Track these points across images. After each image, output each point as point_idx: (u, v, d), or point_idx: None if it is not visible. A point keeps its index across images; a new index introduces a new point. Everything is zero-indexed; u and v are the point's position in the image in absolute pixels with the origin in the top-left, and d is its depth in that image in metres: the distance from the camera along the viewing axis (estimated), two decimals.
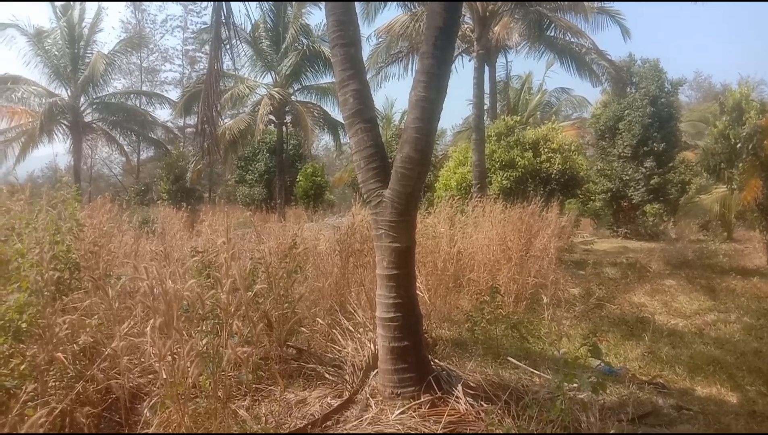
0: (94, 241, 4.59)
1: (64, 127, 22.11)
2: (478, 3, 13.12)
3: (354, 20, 4.36)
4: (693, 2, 10.56)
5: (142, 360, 3.89)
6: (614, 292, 8.77)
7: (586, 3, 14.50)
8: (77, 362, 3.48)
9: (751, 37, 66.38)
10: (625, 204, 19.90)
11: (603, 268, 11.39)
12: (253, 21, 21.30)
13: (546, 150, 14.92)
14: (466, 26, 15.09)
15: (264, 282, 4.55)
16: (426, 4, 12.32)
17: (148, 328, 2.95)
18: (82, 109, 22.53)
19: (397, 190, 3.98)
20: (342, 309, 5.45)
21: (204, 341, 3.28)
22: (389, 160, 4.27)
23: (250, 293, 3.85)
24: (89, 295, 3.85)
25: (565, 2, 13.89)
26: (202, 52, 32.54)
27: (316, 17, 21.73)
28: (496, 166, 14.68)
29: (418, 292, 4.70)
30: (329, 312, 5.51)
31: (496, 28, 17.12)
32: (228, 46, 6.94)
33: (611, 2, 13.82)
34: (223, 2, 6.43)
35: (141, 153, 33.19)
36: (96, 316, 3.80)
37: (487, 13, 13.39)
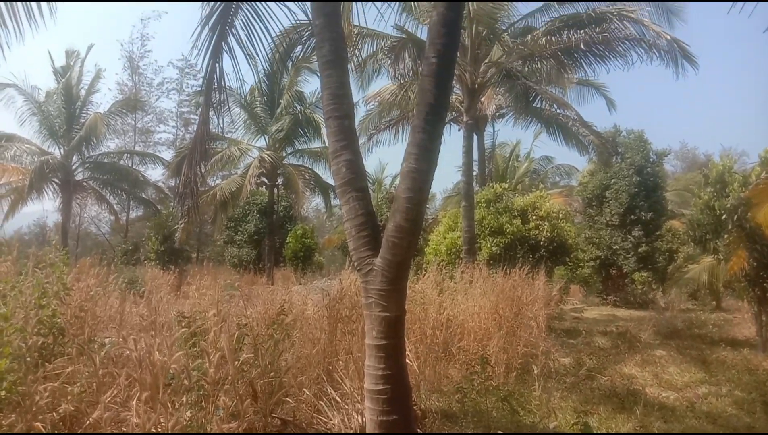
0: (80, 306, 4.54)
1: (55, 185, 22.16)
2: (467, 76, 13.57)
3: (348, 94, 4.51)
4: (676, 77, 10.94)
5: (125, 429, 3.77)
6: (605, 363, 8.68)
7: (566, 77, 15.01)
8: (56, 432, 3.37)
9: (733, 107, 68.86)
10: (614, 272, 20.00)
11: (593, 337, 11.32)
12: (246, 87, 21.83)
13: (534, 217, 15.09)
14: (455, 97, 15.53)
15: (250, 350, 4.48)
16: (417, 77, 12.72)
17: (134, 401, 2.87)
18: (73, 167, 22.67)
19: (388, 259, 4.01)
20: (329, 378, 5.35)
21: (188, 414, 3.19)
22: (380, 229, 4.32)
23: (236, 362, 3.78)
24: (72, 362, 3.77)
25: (549, 77, 14.35)
26: (196, 114, 33.10)
27: (311, 85, 22.38)
28: (486, 232, 14.79)
29: (407, 360, 4.64)
30: (316, 381, 5.39)
31: (484, 99, 17.65)
32: (219, 110, 7.13)
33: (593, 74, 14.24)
34: (216, 66, 6.65)
35: (130, 212, 33.16)
36: (78, 384, 3.70)
37: (476, 86, 13.83)
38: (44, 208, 35.79)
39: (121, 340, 4.31)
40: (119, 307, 5.85)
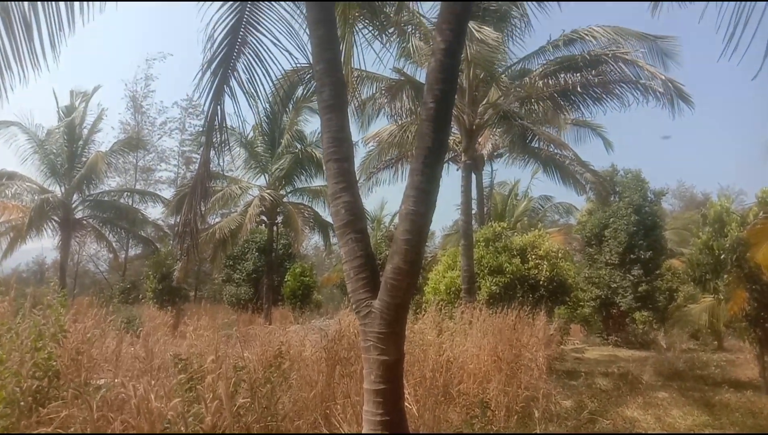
0: (77, 348, 4.50)
1: (54, 223, 22.19)
2: (465, 117, 13.76)
3: (348, 137, 4.58)
4: (672, 116, 11.12)
5: None
6: (606, 405, 8.55)
7: (563, 118, 15.24)
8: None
9: (730, 146, 69.54)
10: (614, 311, 19.87)
11: (594, 378, 11.18)
12: (247, 126, 22.06)
13: (534, 256, 15.08)
14: (453, 137, 15.71)
15: (247, 394, 4.42)
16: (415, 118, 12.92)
17: None
18: (74, 205, 22.74)
19: (386, 301, 4.00)
20: (327, 422, 5.27)
21: None
22: (379, 270, 4.33)
23: (233, 407, 3.73)
24: (67, 406, 3.72)
25: (545, 118, 14.56)
26: (198, 153, 33.37)
27: (312, 124, 22.66)
28: (485, 271, 14.75)
29: (406, 404, 4.58)
30: (313, 426, 5.31)
31: (481, 139, 17.87)
32: (220, 151, 7.21)
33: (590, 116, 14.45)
34: (218, 108, 6.75)
35: (129, 250, 33.10)
36: (73, 429, 3.64)
37: (474, 126, 14.03)
38: (43, 245, 35.79)
39: (117, 381, 4.27)
40: (116, 349, 5.79)
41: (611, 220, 19.73)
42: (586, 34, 12.09)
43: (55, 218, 22.13)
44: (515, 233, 17.55)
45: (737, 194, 40.37)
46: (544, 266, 14.79)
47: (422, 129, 4.14)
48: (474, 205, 19.08)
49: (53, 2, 5.73)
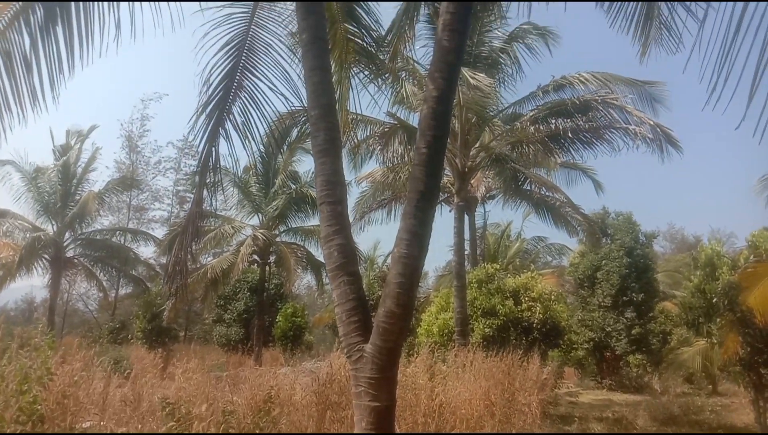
0: (63, 391, 4.42)
1: (45, 261, 22.03)
2: (457, 160, 13.94)
3: (342, 181, 4.63)
4: (661, 161, 11.31)
5: None
6: None
7: (553, 161, 15.47)
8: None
9: (720, 188, 70.50)
10: (608, 354, 19.72)
11: (589, 423, 11.02)
12: (240, 166, 22.19)
13: (527, 299, 15.05)
14: (446, 179, 15.87)
15: None
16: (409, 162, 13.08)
17: None
18: (65, 244, 22.63)
19: (378, 346, 3.98)
20: None
21: None
22: (371, 313, 4.32)
23: None
24: None
25: (536, 160, 14.78)
26: (192, 193, 33.40)
27: (306, 164, 22.86)
28: (478, 313, 14.68)
29: None
30: None
31: (474, 181, 18.05)
32: (214, 191, 7.25)
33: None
34: (213, 150, 6.82)
35: (119, 289, 32.74)
36: None
37: (466, 169, 14.20)
38: (33, 284, 35.38)
39: (103, 424, 4.18)
40: (103, 391, 5.69)
41: (603, 262, 19.77)
42: (576, 80, 12.37)
43: (46, 256, 21.99)
44: (508, 274, 17.54)
45: (728, 237, 40.73)
46: (538, 309, 14.75)
47: (415, 173, 4.20)
48: (467, 246, 19.15)
49: (54, 44, 5.90)
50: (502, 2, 6.95)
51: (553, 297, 15.52)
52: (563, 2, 6.03)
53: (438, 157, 4.27)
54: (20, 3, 5.66)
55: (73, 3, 5.76)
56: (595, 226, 18.13)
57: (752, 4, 2.71)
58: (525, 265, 26.10)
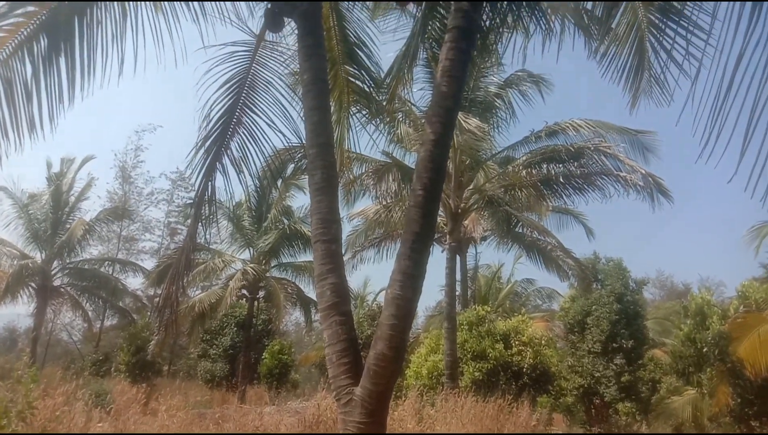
0: (44, 426, 4.30)
1: (31, 289, 21.72)
2: (451, 201, 14.04)
3: (337, 219, 4.65)
4: (652, 209, 11.46)
5: None
6: None
7: (545, 206, 15.62)
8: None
9: (709, 236, 71.01)
10: (597, 401, 19.48)
11: None
12: (235, 200, 22.21)
13: (517, 342, 14.95)
14: (439, 219, 15.95)
15: None
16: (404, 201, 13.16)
17: None
18: (53, 272, 22.37)
19: (368, 389, 3.92)
20: None
21: None
22: (362, 353, 4.27)
23: None
24: None
25: (528, 204, 14.90)
26: (184, 225, 33.28)
27: (299, 200, 22.91)
28: (468, 356, 14.54)
29: None
30: None
31: (467, 223, 18.13)
32: (208, 224, 7.25)
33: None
34: (209, 184, 6.83)
35: (105, 321, 32.19)
36: None
37: (459, 210, 14.29)
38: (17, 312, 34.71)
39: None
40: (84, 426, 5.54)
41: (594, 307, 19.70)
42: (569, 126, 12.59)
43: (33, 284, 21.69)
44: (498, 317, 17.46)
45: (717, 286, 40.84)
46: (528, 353, 14.65)
47: (410, 214, 4.22)
48: (458, 287, 19.09)
49: (56, 75, 5.96)
50: (498, 50, 7.06)
51: (543, 342, 15.43)
52: (556, 52, 6.21)
53: (434, 198, 4.30)
54: (25, 33, 5.75)
55: (77, 36, 5.87)
56: (587, 271, 18.18)
57: (743, 63, 2.80)
58: (515, 307, 26.03)
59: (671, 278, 50.54)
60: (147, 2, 6.16)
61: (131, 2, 6.07)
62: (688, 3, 5.03)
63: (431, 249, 4.49)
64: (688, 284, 41.70)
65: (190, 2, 6.30)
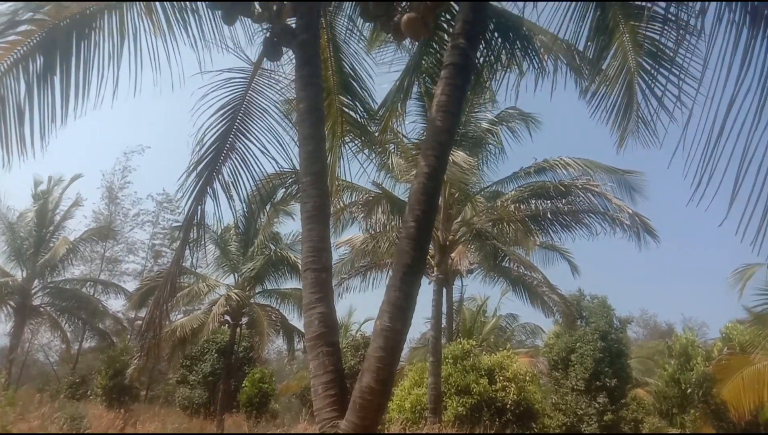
0: None
1: (10, 308, 21.30)
2: (439, 233, 14.08)
3: (328, 248, 4.63)
4: (639, 249, 11.58)
5: None
6: None
7: (530, 241, 15.70)
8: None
9: (693, 277, 71.59)
10: None
11: None
12: (222, 224, 22.12)
13: (501, 378, 14.86)
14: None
15: None
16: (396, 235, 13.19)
17: None
18: (33, 291, 21.98)
19: (354, 423, 3.85)
20: None
21: None
22: (348, 388, 4.21)
23: None
24: None
25: (515, 239, 14.98)
26: (169, 248, 32.98)
27: (287, 227, 22.84)
28: (452, 390, 14.41)
29: None
30: None
31: (454, 255, 18.18)
32: (196, 248, 7.19)
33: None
34: (199, 208, 6.80)
35: (83, 342, 31.55)
36: None
37: (447, 242, 14.33)
38: None
39: None
40: None
41: (578, 344, 19.71)
42: (557, 164, 12.78)
43: (12, 303, 21.28)
44: (483, 352, 17.38)
45: (700, 326, 41.01)
46: (512, 389, 14.55)
47: (402, 246, 4.21)
48: (443, 320, 19.01)
49: (49, 94, 5.93)
50: (492, 86, 7.20)
51: (528, 378, 15.35)
52: (549, 91, 6.34)
53: (426, 231, 4.30)
54: (22, 51, 5.74)
55: (73, 56, 5.86)
56: (572, 308, 18.23)
57: (734, 109, 2.87)
58: (500, 342, 25.93)
59: (655, 317, 50.77)
60: (146, 26, 6.20)
61: (131, 24, 6.10)
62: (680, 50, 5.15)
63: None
64: (671, 324, 41.87)
65: (189, 28, 6.37)
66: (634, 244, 11.75)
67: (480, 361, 15.33)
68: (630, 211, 11.66)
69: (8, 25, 5.55)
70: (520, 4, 6.09)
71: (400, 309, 4.05)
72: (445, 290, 18.35)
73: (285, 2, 5.59)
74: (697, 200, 3.02)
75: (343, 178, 9.23)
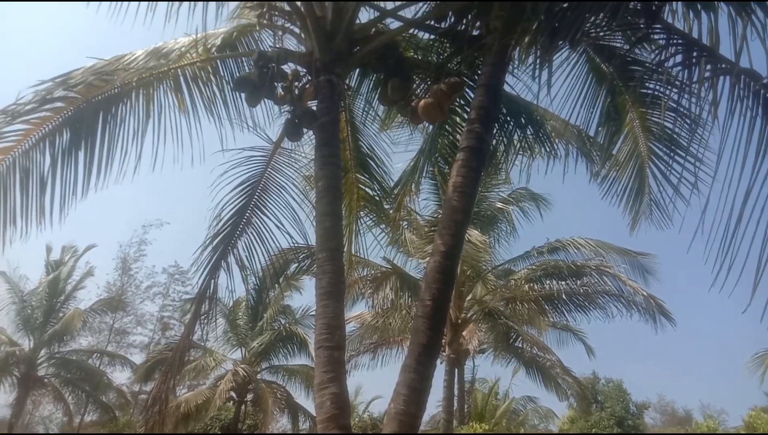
0: None
1: (14, 378, 20.97)
2: (451, 311, 13.92)
3: (342, 326, 4.58)
4: (655, 332, 11.37)
5: None
6: None
7: (543, 321, 15.45)
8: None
9: (708, 362, 69.39)
10: None
11: None
12: (233, 298, 21.99)
13: None
14: None
15: None
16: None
17: None
18: (39, 361, 21.71)
19: None
20: None
21: None
22: None
23: None
24: None
25: (528, 318, 14.76)
26: (177, 320, 32.76)
27: (299, 301, 22.69)
28: None
29: None
30: None
31: (465, 334, 17.88)
32: (207, 322, 7.15)
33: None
34: (213, 281, 6.82)
35: (86, 415, 30.75)
36: None
37: (459, 320, 14.14)
38: None
39: None
40: None
41: (593, 430, 18.99)
42: (570, 244, 12.76)
43: (17, 373, 20.98)
44: None
45: (719, 413, 39.36)
46: None
47: (417, 325, 4.16)
48: (454, 401, 18.43)
49: (73, 167, 6.08)
50: (507, 168, 7.36)
51: None
52: (561, 173, 6.47)
53: (442, 310, 4.27)
54: (50, 126, 5.96)
55: (99, 133, 6.05)
56: (586, 391, 17.69)
57: (753, 194, 2.90)
58: (513, 426, 24.97)
59: (672, 404, 48.93)
60: (171, 103, 6.45)
61: (156, 102, 6.35)
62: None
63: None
64: (689, 410, 40.29)
65: (212, 108, 6.65)
66: (650, 326, 11.56)
67: None
68: (645, 294, 11.52)
69: (41, 102, 5.81)
70: (534, 89, 6.32)
71: (415, 391, 3.96)
72: (456, 371, 17.94)
73: (307, 85, 5.82)
74: (720, 286, 3.01)
75: (356, 253, 9.30)
